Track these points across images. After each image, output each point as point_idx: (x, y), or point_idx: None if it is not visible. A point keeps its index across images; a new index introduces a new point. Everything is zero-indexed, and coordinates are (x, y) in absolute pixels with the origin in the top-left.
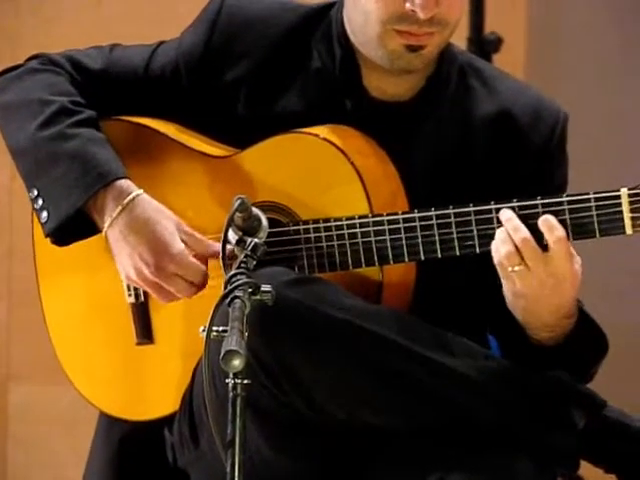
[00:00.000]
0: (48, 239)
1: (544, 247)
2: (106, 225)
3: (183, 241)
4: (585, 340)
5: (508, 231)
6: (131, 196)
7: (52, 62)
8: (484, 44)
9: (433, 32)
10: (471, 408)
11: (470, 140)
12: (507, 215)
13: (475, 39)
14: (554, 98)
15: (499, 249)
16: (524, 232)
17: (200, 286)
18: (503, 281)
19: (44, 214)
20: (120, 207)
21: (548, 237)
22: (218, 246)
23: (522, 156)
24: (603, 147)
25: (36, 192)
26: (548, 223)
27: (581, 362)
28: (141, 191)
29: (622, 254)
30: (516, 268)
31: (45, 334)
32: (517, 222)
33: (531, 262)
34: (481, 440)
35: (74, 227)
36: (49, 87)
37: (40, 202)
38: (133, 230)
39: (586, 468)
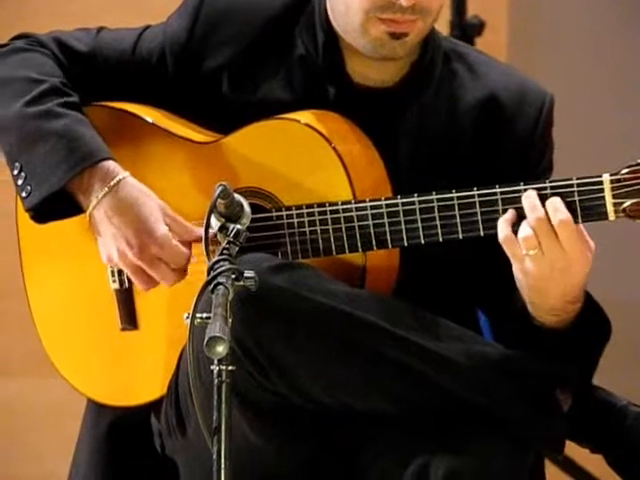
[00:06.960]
0: (28, 214)
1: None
2: (91, 206)
3: (167, 225)
4: (590, 328)
5: (525, 210)
6: (117, 178)
7: (39, 43)
8: (467, 28)
9: (415, 19)
10: (456, 391)
11: (456, 126)
12: (527, 194)
13: (457, 23)
14: (538, 81)
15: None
16: (540, 211)
17: (182, 271)
18: (512, 260)
19: (26, 189)
20: (106, 188)
21: (552, 219)
22: (201, 231)
23: (508, 141)
24: (586, 129)
25: (19, 167)
26: (554, 205)
27: (585, 349)
28: (127, 173)
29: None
30: (531, 252)
31: (32, 325)
32: (536, 201)
33: (544, 242)
34: (466, 424)
35: (55, 205)
36: (38, 67)
37: (23, 177)
38: (118, 212)
39: (572, 448)
